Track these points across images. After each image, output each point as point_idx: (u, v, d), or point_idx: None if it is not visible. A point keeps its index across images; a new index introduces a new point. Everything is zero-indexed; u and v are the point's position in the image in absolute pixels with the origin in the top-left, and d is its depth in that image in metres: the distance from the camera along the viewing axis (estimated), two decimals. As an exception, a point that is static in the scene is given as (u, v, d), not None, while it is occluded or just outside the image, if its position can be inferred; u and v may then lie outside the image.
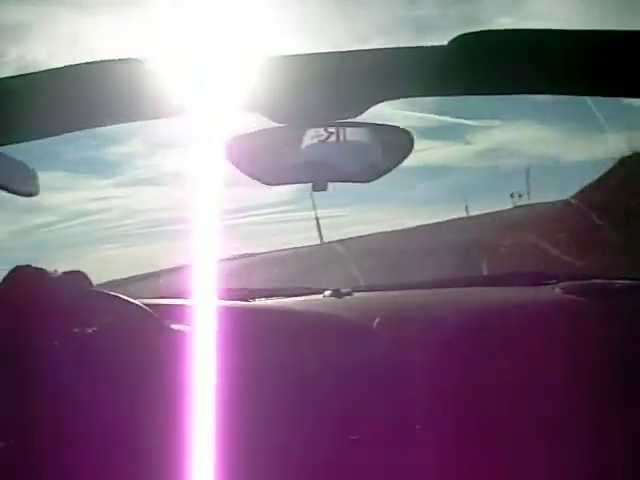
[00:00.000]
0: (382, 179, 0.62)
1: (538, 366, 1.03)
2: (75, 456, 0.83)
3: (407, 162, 0.60)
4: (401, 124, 0.60)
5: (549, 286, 1.26)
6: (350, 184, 0.66)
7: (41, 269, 0.81)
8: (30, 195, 0.63)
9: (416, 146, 0.59)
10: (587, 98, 0.48)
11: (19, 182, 0.61)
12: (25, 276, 0.81)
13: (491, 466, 1.03)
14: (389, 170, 0.60)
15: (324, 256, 8.00)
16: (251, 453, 0.98)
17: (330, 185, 0.65)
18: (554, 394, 1.02)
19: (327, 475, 1.03)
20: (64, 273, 0.85)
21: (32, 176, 0.62)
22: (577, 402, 1.02)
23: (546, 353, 1.04)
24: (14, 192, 0.61)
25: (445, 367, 1.01)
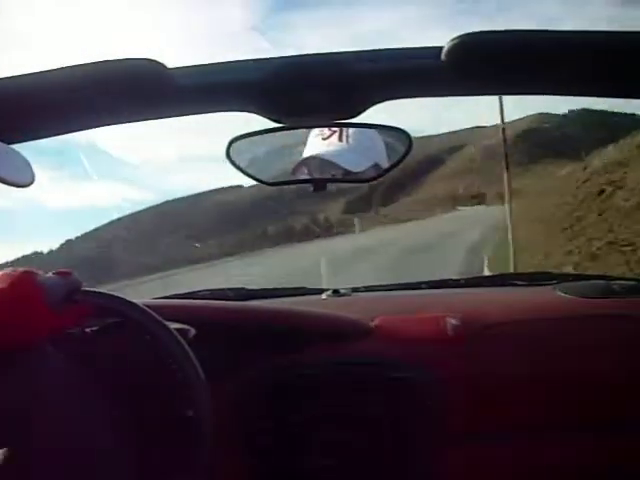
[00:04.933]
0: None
1: (538, 366, 1.03)
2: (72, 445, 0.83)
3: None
4: (400, 125, 0.60)
5: (549, 286, 1.26)
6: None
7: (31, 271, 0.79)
8: (25, 185, 0.61)
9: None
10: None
11: (15, 172, 0.58)
12: (18, 277, 0.80)
13: (493, 465, 1.03)
14: (388, 171, 0.60)
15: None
16: None
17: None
18: (554, 394, 1.03)
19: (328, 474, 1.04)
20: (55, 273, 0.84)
21: (27, 165, 0.59)
22: (576, 401, 1.02)
23: (546, 353, 1.04)
24: (9, 183, 0.58)
25: (444, 367, 1.02)
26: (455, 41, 0.42)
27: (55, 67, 0.44)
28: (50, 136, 0.48)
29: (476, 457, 1.02)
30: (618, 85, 0.44)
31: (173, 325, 0.94)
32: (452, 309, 1.11)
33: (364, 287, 1.45)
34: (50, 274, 0.80)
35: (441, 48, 0.43)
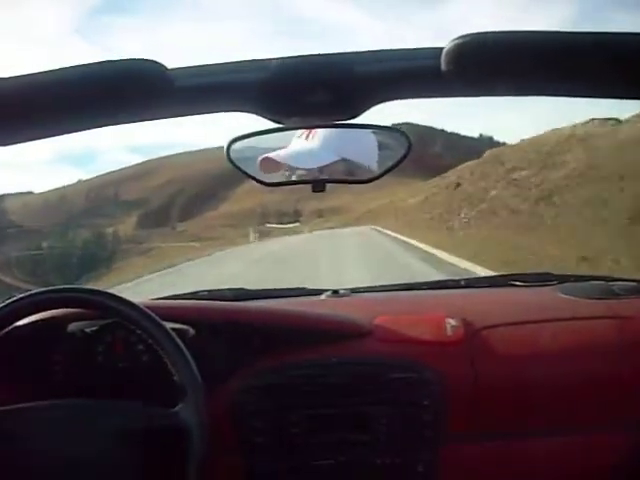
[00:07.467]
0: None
1: (538, 366, 1.03)
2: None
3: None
4: (399, 125, 0.60)
5: (549, 287, 1.26)
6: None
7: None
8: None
9: None
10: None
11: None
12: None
13: (493, 463, 1.03)
14: (387, 172, 0.60)
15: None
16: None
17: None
18: (554, 394, 1.03)
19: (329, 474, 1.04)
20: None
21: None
22: (576, 402, 1.02)
23: (546, 353, 1.04)
24: None
25: (444, 367, 1.02)
26: (456, 42, 0.42)
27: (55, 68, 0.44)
28: (47, 137, 0.48)
29: (476, 457, 1.02)
30: (620, 86, 0.44)
31: (171, 325, 0.94)
32: (452, 309, 1.11)
33: (363, 288, 1.45)
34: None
35: (442, 49, 0.43)
